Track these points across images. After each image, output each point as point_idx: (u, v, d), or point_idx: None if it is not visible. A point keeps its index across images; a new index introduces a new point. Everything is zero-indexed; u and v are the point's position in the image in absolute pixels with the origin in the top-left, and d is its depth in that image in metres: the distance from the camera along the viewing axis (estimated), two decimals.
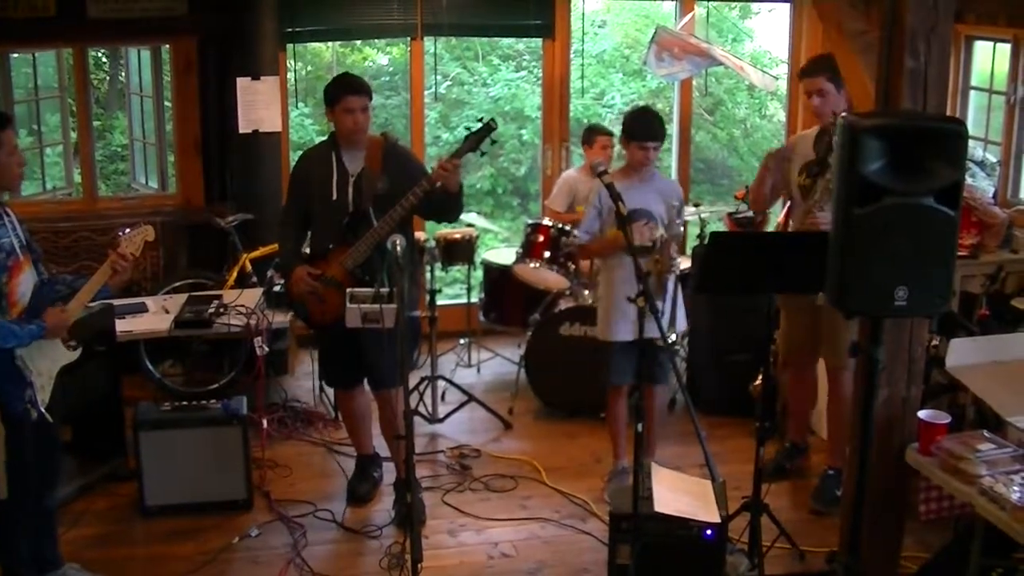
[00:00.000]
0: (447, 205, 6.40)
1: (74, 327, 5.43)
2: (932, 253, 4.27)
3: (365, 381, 6.74)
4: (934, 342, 6.23)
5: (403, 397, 5.41)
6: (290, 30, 9.21)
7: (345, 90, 6.27)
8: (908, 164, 4.20)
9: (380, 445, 7.02)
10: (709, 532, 5.30)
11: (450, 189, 6.21)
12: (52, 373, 5.40)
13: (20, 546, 5.50)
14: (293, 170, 6.70)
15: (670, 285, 6.35)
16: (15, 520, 5.43)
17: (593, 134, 8.78)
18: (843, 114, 4.75)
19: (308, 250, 6.57)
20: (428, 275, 8.10)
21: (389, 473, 6.99)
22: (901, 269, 4.25)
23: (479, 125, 6.23)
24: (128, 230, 5.58)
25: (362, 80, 6.45)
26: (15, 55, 10.09)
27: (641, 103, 15.60)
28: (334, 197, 6.31)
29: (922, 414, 5.09)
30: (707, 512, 5.25)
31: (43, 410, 5.30)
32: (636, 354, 5.92)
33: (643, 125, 6.50)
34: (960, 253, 6.87)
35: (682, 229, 6.71)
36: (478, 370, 9.25)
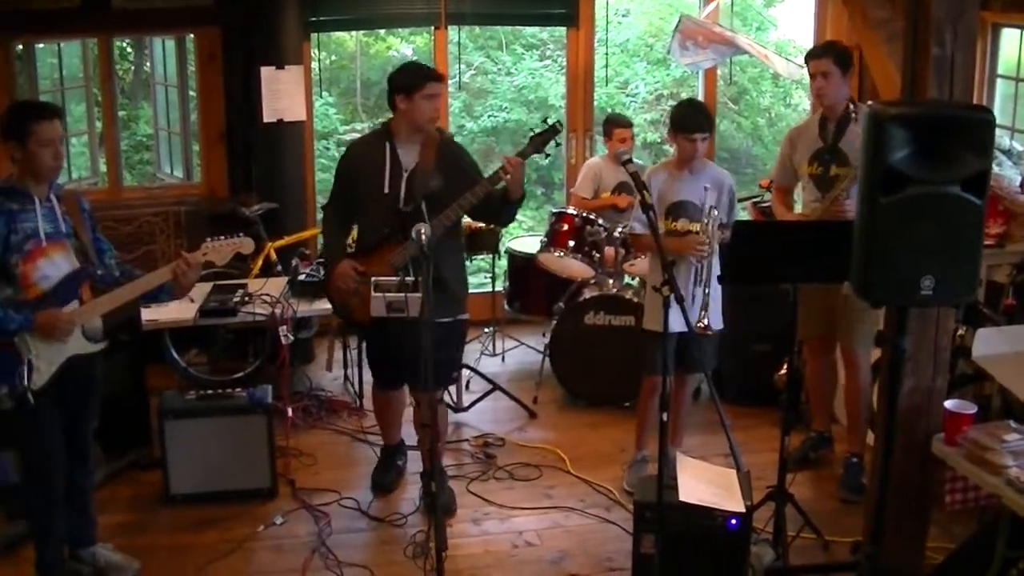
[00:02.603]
0: (504, 210, 6.34)
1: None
2: (958, 242, 4.25)
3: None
4: (960, 332, 6.22)
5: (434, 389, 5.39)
6: (314, 19, 9.23)
7: (428, 76, 6.19)
8: (934, 153, 4.17)
9: (406, 434, 7.03)
10: (734, 522, 5.29)
11: (513, 194, 6.15)
12: (56, 359, 5.37)
13: (50, 531, 5.55)
14: (341, 160, 6.58)
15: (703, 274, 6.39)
16: (41, 505, 5.47)
17: (611, 126, 8.76)
18: (869, 103, 4.73)
19: (352, 241, 6.51)
20: None
21: (415, 462, 7.00)
22: (927, 258, 4.23)
23: (544, 127, 6.14)
24: (222, 238, 5.58)
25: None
26: (40, 45, 10.12)
27: (666, 92, 15.61)
28: (386, 190, 6.21)
29: (948, 404, 5.08)
30: (732, 502, 5.25)
31: (33, 391, 5.24)
32: (676, 345, 5.95)
33: (689, 117, 6.48)
34: (986, 242, 6.85)
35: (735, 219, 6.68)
36: (502, 359, 9.26)
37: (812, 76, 6.61)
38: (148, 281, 5.43)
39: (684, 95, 14.69)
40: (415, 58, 16.19)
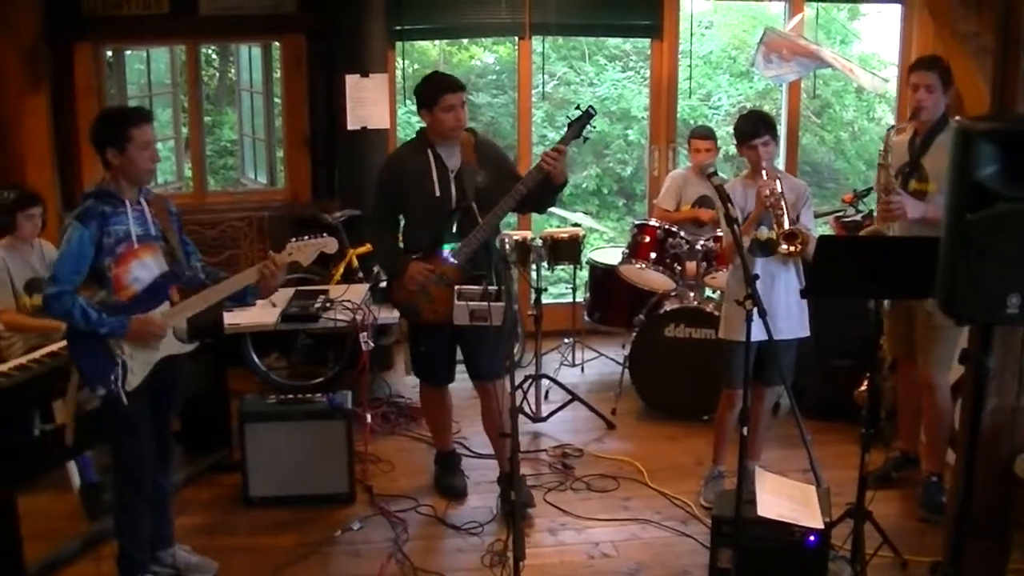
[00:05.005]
0: (548, 196, 6.45)
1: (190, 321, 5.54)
2: None
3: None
4: None
5: (509, 394, 5.42)
6: (399, 28, 9.31)
7: (444, 89, 6.29)
8: (1023, 169, 4.13)
9: (482, 443, 7.05)
10: (812, 538, 5.26)
11: (556, 180, 6.25)
12: (150, 360, 5.46)
13: (139, 529, 5.62)
14: (383, 172, 6.67)
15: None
16: (132, 503, 5.54)
17: (689, 139, 8.79)
18: (956, 118, 4.68)
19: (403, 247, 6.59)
20: (534, 274, 8.10)
21: (490, 469, 7.02)
22: (1014, 276, 4.17)
23: (579, 113, 6.24)
24: (307, 237, 5.64)
25: (454, 76, 6.50)
26: (129, 52, 10.27)
27: (749, 105, 15.55)
28: (437, 193, 6.32)
29: None
30: (810, 518, 5.22)
31: (125, 392, 5.33)
32: (755, 356, 5.93)
33: (744, 126, 6.49)
34: None
35: (813, 226, 6.66)
36: (582, 370, 9.26)
37: (914, 87, 6.51)
38: (235, 282, 5.50)
39: (767, 108, 14.64)
40: (498, 67, 16.28)
